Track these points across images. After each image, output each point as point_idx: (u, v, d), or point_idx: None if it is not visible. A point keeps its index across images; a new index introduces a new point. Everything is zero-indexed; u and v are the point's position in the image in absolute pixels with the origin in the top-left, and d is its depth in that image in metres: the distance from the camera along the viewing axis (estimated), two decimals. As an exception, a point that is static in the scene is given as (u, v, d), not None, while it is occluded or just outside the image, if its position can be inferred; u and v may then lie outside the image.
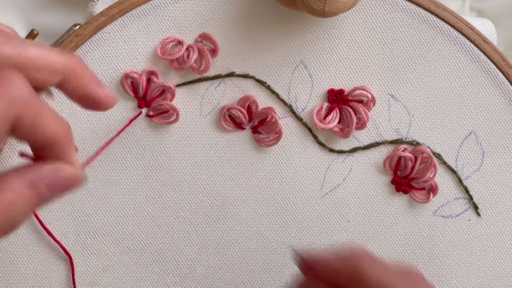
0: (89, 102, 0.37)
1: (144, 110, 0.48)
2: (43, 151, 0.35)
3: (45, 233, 0.48)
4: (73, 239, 0.49)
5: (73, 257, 0.49)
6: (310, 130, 0.49)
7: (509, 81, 0.48)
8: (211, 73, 0.48)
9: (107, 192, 0.48)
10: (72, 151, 0.35)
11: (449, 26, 0.48)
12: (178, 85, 0.48)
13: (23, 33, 0.58)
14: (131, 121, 0.48)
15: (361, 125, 0.48)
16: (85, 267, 0.49)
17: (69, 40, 0.46)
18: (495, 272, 0.50)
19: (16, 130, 0.33)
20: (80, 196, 0.48)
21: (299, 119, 0.49)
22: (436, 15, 0.47)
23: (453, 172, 0.49)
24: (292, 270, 0.50)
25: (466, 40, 0.48)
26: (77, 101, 0.36)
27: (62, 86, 0.36)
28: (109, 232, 0.49)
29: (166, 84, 0.47)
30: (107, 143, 0.48)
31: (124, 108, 0.48)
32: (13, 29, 0.38)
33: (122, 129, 0.48)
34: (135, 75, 0.47)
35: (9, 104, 0.32)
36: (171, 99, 0.48)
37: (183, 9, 0.47)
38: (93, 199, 0.48)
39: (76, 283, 0.49)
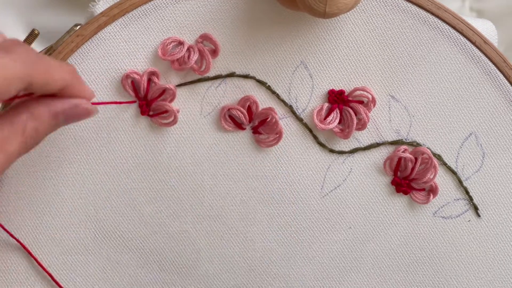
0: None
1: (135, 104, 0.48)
2: (58, 95, 0.41)
3: None
4: (73, 238, 0.49)
5: (71, 257, 0.49)
6: (310, 130, 0.49)
7: (509, 82, 0.48)
8: (211, 73, 0.48)
9: (106, 192, 0.48)
10: (81, 85, 0.42)
11: (449, 27, 0.48)
12: (179, 85, 0.48)
13: (23, 33, 0.58)
14: (121, 103, 0.47)
15: (362, 125, 0.48)
16: (84, 267, 0.49)
17: (70, 40, 0.46)
18: (495, 273, 0.50)
19: (31, 87, 0.38)
20: (80, 195, 0.48)
21: (299, 119, 0.49)
22: (437, 16, 0.48)
23: (453, 173, 0.49)
24: (293, 271, 0.50)
25: (467, 41, 0.48)
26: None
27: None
28: (109, 232, 0.49)
29: (167, 86, 0.47)
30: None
31: (125, 108, 0.48)
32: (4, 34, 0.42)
33: (111, 103, 0.47)
34: (136, 76, 0.47)
35: (23, 65, 0.37)
36: (171, 100, 0.48)
37: (184, 9, 0.47)
38: (93, 199, 0.48)
39: (76, 283, 0.49)
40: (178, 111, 0.48)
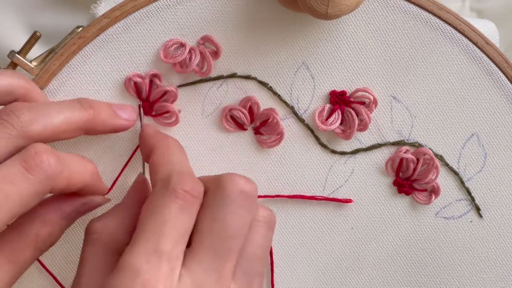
0: (114, 132, 0.46)
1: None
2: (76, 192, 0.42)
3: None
4: (73, 239, 0.49)
5: (72, 256, 0.49)
6: (312, 131, 0.49)
7: (511, 82, 0.48)
8: (213, 74, 0.48)
9: (109, 193, 0.48)
10: (99, 184, 0.43)
11: (451, 28, 0.48)
12: (180, 86, 0.48)
13: (24, 34, 0.58)
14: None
15: (363, 126, 0.48)
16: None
17: (72, 42, 0.46)
18: (497, 273, 0.50)
19: (53, 191, 0.39)
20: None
21: (301, 120, 0.49)
22: (438, 17, 0.47)
23: (455, 173, 0.49)
24: (294, 272, 0.50)
25: (469, 42, 0.48)
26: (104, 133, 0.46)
27: (88, 133, 0.45)
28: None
29: (168, 88, 0.47)
30: (129, 160, 0.49)
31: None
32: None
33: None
34: (138, 79, 0.47)
35: (46, 182, 0.38)
36: (173, 101, 0.48)
37: (185, 11, 0.47)
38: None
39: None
40: (179, 112, 0.48)
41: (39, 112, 0.40)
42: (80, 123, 0.42)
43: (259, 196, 0.48)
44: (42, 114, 0.40)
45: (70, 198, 0.42)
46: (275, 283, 0.50)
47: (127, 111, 0.46)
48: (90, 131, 0.44)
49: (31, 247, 0.40)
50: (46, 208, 0.41)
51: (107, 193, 0.47)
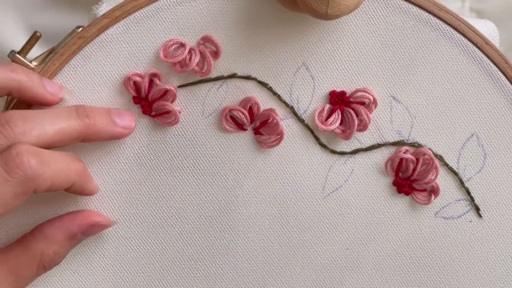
0: (37, 103, 0.44)
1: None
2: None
3: None
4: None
5: (71, 257, 0.49)
6: (311, 131, 0.49)
7: (511, 83, 0.48)
8: (213, 74, 0.48)
9: (107, 192, 0.48)
10: (89, 183, 0.43)
11: (451, 28, 0.48)
12: (180, 86, 0.48)
13: (24, 34, 0.58)
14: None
15: (363, 126, 0.48)
16: (85, 267, 0.49)
17: (72, 42, 0.46)
18: (497, 274, 0.50)
19: (37, 191, 0.39)
20: (80, 196, 0.48)
21: (300, 120, 0.49)
22: (438, 17, 0.48)
23: (455, 173, 0.49)
24: (294, 271, 0.50)
25: (468, 42, 0.48)
26: (27, 102, 0.44)
27: (11, 95, 0.43)
28: (110, 232, 0.49)
29: (168, 87, 0.47)
30: None
31: (126, 108, 0.48)
32: None
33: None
34: (137, 78, 0.47)
35: (26, 182, 0.38)
36: (172, 101, 0.48)
37: (185, 11, 0.47)
38: (94, 198, 0.48)
39: (76, 284, 0.49)
40: (179, 111, 0.48)
41: (34, 122, 0.40)
42: (75, 134, 0.42)
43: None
44: (37, 124, 0.40)
45: (78, 219, 0.43)
46: (274, 283, 0.50)
47: (125, 118, 0.46)
48: (86, 140, 0.44)
49: (35, 264, 0.40)
50: (53, 228, 0.42)
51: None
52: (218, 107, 0.48)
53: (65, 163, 0.41)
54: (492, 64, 0.48)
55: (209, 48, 0.48)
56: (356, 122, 0.48)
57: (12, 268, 0.40)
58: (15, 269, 0.40)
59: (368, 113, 0.48)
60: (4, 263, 0.40)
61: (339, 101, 0.48)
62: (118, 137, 0.45)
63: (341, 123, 0.49)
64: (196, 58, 0.47)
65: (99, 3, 0.47)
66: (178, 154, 0.48)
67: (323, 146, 0.49)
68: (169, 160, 0.48)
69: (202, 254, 0.49)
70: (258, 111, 0.48)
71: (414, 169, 0.49)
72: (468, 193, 0.49)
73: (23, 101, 0.45)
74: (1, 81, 0.41)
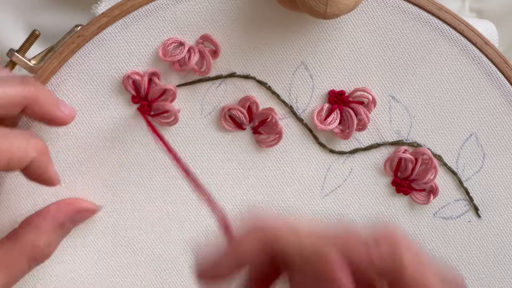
0: (51, 122, 0.42)
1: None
2: (24, 173, 0.40)
3: None
4: (73, 237, 0.49)
5: (71, 256, 0.49)
6: (310, 131, 0.49)
7: (510, 83, 0.48)
8: (212, 73, 0.48)
9: (107, 192, 0.48)
10: (49, 166, 0.41)
11: (450, 28, 0.48)
12: (179, 85, 0.48)
13: (23, 33, 0.58)
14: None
15: (362, 126, 0.48)
16: (84, 266, 0.49)
17: (71, 41, 0.46)
18: (496, 274, 0.50)
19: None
20: (79, 195, 0.48)
21: (299, 120, 0.49)
22: (437, 17, 0.47)
23: (454, 173, 0.49)
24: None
25: (468, 42, 0.48)
26: (40, 121, 0.40)
27: (25, 112, 0.40)
28: (109, 232, 0.49)
29: (167, 87, 0.47)
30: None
31: (126, 108, 0.48)
32: None
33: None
34: (137, 77, 0.47)
35: None
36: (172, 100, 0.48)
37: (184, 10, 0.47)
38: (93, 197, 0.48)
39: (75, 283, 0.49)
40: (178, 111, 0.48)
41: None
42: (18, 98, 0.40)
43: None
44: None
45: (64, 207, 0.42)
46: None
47: (69, 108, 0.44)
48: (29, 111, 0.41)
49: (26, 256, 0.40)
50: (41, 218, 0.41)
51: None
52: (217, 106, 0.48)
53: (24, 138, 0.39)
54: (491, 64, 0.48)
55: (208, 47, 0.48)
56: (355, 121, 0.48)
57: (5, 261, 0.39)
58: (6, 262, 0.39)
59: (367, 112, 0.48)
60: None
61: (338, 100, 0.48)
62: (59, 122, 0.43)
63: (340, 123, 0.49)
64: (195, 57, 0.47)
65: (98, 2, 0.47)
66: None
67: (322, 145, 0.49)
68: (168, 160, 0.48)
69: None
70: (257, 110, 0.48)
71: (413, 169, 0.49)
72: (467, 193, 0.49)
73: (34, 118, 0.43)
74: (16, 96, 0.40)
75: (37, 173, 0.40)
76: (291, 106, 0.49)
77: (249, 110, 0.48)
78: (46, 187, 0.47)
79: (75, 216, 0.43)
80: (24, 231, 0.41)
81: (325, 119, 0.48)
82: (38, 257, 0.41)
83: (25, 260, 0.40)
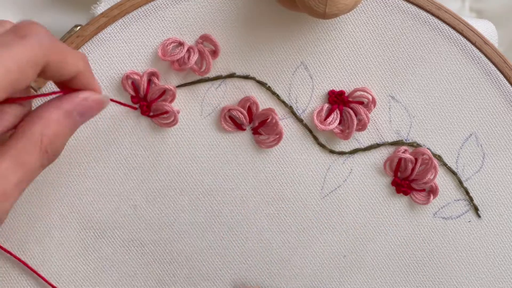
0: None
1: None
2: (69, 85, 0.40)
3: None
4: (73, 237, 0.49)
5: (72, 256, 0.49)
6: (310, 131, 0.49)
7: (509, 82, 0.48)
8: (211, 74, 0.48)
9: (107, 192, 0.48)
10: (91, 75, 0.41)
11: (449, 28, 0.48)
12: (179, 86, 0.48)
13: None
14: (123, 104, 0.47)
15: (362, 126, 0.48)
16: (84, 267, 0.49)
17: (70, 41, 0.46)
18: (495, 274, 0.50)
19: (48, 69, 0.38)
20: (80, 195, 0.48)
21: (299, 120, 0.49)
22: (437, 17, 0.48)
23: (454, 173, 0.49)
24: (293, 271, 0.50)
25: (467, 42, 0.48)
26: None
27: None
28: (109, 233, 0.49)
29: (167, 87, 0.47)
30: None
31: (125, 109, 0.48)
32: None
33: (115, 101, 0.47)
34: (136, 76, 0.47)
35: (39, 48, 0.36)
36: (171, 101, 0.48)
37: (184, 10, 0.47)
38: (93, 199, 0.48)
39: (76, 282, 0.49)
40: (178, 112, 0.48)
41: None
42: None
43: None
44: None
45: (69, 96, 0.40)
46: (273, 282, 0.50)
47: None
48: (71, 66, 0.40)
49: (37, 148, 0.38)
50: (46, 108, 0.39)
51: None
52: (216, 107, 0.48)
53: (72, 49, 0.40)
54: (490, 64, 0.48)
55: (207, 47, 0.48)
56: (355, 121, 0.48)
57: (15, 157, 0.38)
58: (18, 157, 0.38)
59: (367, 112, 0.48)
60: (6, 152, 0.38)
61: (338, 100, 0.48)
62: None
63: (340, 123, 0.49)
64: (194, 56, 0.47)
65: (98, 2, 0.47)
66: (176, 155, 0.48)
67: (322, 146, 0.49)
68: (167, 161, 0.48)
69: (201, 254, 0.49)
70: (257, 111, 0.48)
71: (413, 169, 0.49)
72: (467, 193, 0.49)
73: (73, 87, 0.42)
74: (72, 65, 0.40)
75: (81, 83, 0.40)
76: (291, 107, 0.49)
77: (249, 110, 0.48)
78: (47, 187, 0.48)
79: (81, 105, 0.41)
80: (31, 122, 0.39)
81: (325, 119, 0.48)
82: (48, 150, 0.39)
83: (37, 153, 0.38)
